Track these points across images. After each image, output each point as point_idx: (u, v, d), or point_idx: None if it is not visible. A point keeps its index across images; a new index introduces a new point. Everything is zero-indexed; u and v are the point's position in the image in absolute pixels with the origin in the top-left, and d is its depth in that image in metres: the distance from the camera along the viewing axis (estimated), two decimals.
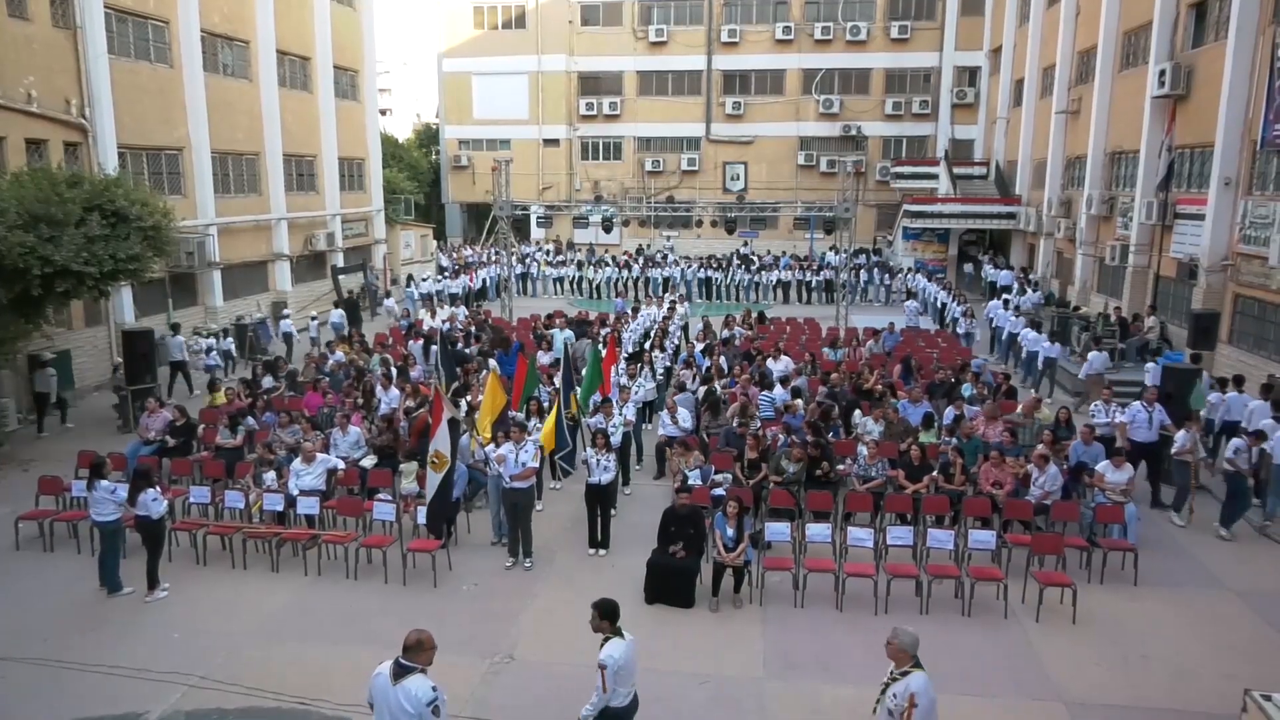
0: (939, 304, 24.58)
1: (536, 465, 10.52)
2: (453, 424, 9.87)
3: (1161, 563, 10.07)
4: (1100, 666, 8.03)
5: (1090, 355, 16.71)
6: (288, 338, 21.19)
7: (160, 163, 20.42)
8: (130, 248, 14.09)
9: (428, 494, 9.95)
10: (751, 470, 11.10)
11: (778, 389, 14.01)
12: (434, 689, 5.13)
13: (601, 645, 5.86)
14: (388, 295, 27.56)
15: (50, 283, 13.09)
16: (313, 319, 22.13)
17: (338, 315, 22.96)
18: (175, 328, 18.47)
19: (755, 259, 32.05)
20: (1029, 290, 24.59)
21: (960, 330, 21.13)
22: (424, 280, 28.56)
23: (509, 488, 10.05)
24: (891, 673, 5.63)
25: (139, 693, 7.55)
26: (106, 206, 13.97)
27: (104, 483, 9.38)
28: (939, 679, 7.79)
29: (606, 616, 5.90)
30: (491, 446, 10.49)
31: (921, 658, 8.23)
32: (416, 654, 5.19)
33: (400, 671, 5.15)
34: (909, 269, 30.31)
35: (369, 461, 12.03)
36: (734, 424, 12.52)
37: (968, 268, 31.76)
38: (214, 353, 18.70)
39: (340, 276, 27.20)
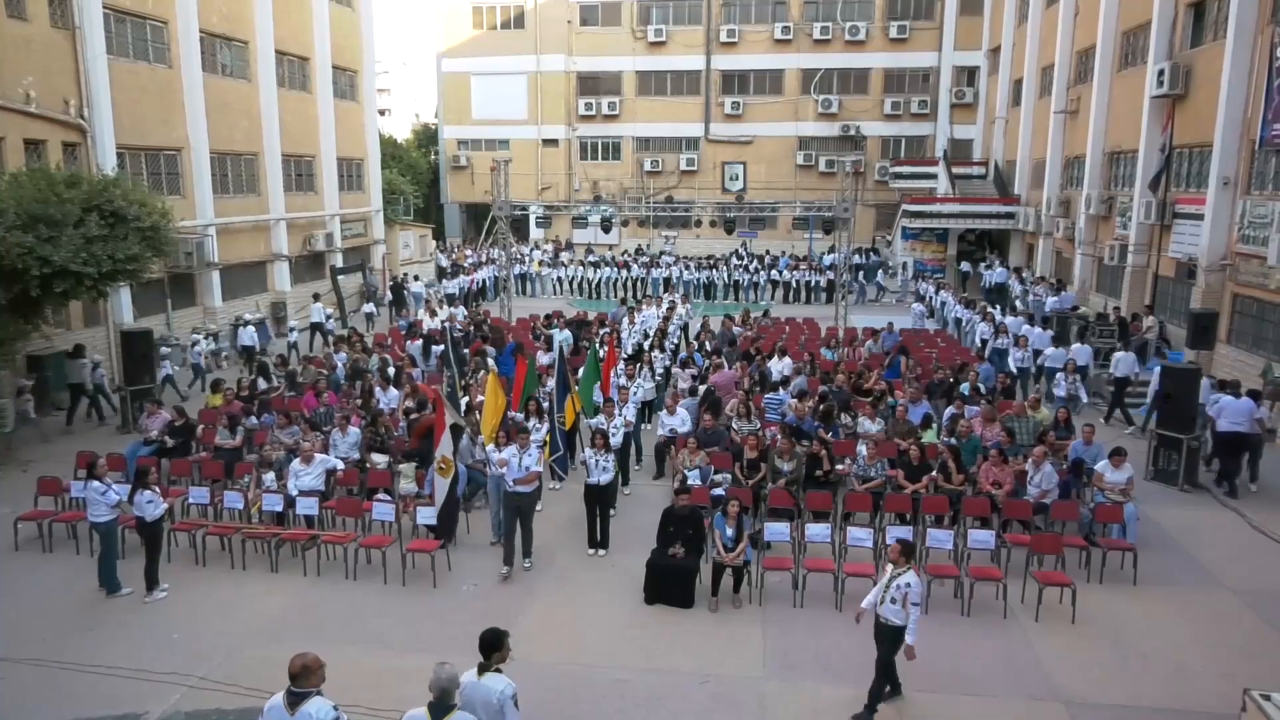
0: (973, 338, 20.15)
1: (540, 469, 10.50)
2: (453, 429, 9.87)
3: (1161, 562, 10.07)
4: (1100, 666, 8.04)
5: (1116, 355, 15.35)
6: (291, 346, 21.00)
7: (159, 163, 20.38)
8: (129, 248, 14.07)
9: (436, 499, 9.94)
10: (751, 470, 11.11)
11: (780, 389, 14.01)
12: (334, 707, 5.15)
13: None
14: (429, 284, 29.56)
15: (49, 283, 13.07)
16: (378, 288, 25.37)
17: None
18: (317, 296, 22.73)
19: (753, 259, 31.96)
20: (1060, 290, 22.94)
21: (1008, 352, 17.44)
22: (452, 279, 29.81)
23: (512, 491, 10.03)
24: None
25: (138, 693, 7.55)
26: (105, 207, 13.95)
27: (95, 483, 9.35)
28: (939, 678, 7.84)
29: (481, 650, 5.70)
30: (493, 448, 10.48)
31: (922, 657, 8.22)
32: (308, 679, 5.16)
33: (296, 700, 5.11)
34: (937, 282, 28.47)
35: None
36: (702, 425, 12.49)
37: (964, 265, 31.05)
38: (201, 352, 18.81)
39: (339, 277, 27.21)
